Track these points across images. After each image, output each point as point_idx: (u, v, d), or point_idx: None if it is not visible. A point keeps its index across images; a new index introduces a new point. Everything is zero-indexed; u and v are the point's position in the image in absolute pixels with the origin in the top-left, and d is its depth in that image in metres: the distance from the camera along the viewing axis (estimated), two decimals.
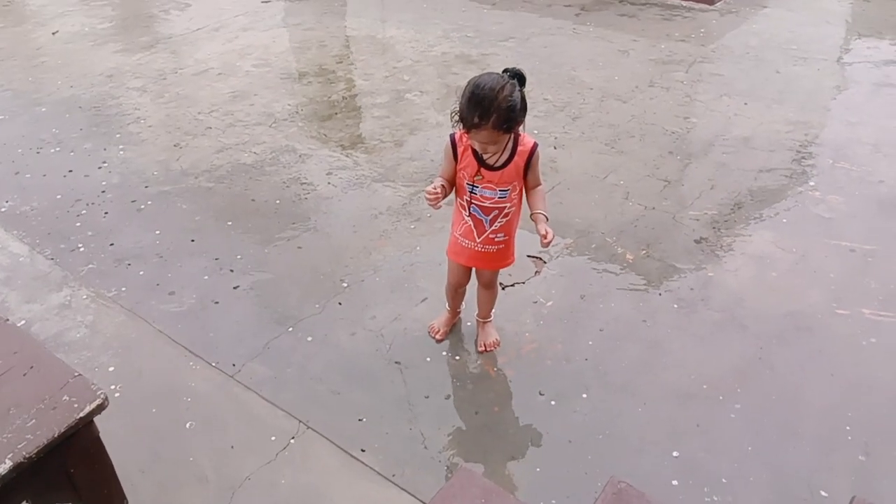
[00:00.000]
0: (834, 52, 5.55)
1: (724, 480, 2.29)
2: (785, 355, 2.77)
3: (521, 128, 2.30)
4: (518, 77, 2.20)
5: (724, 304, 3.03)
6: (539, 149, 2.39)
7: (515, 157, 2.36)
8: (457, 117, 2.22)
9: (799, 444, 2.41)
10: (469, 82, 2.20)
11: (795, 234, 3.45)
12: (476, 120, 2.15)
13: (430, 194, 2.34)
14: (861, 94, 4.85)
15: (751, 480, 2.29)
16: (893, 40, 5.69)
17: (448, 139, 2.42)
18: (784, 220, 3.55)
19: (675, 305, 3.03)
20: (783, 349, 2.80)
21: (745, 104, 4.70)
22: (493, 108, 2.13)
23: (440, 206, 2.40)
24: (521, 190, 2.46)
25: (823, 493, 2.23)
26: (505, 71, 2.21)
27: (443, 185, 2.42)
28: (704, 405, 2.57)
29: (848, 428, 2.46)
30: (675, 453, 2.39)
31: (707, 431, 2.47)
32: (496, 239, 2.52)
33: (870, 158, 4.05)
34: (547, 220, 2.40)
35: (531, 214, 2.44)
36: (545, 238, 2.32)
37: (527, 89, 2.23)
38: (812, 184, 3.84)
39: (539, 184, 2.47)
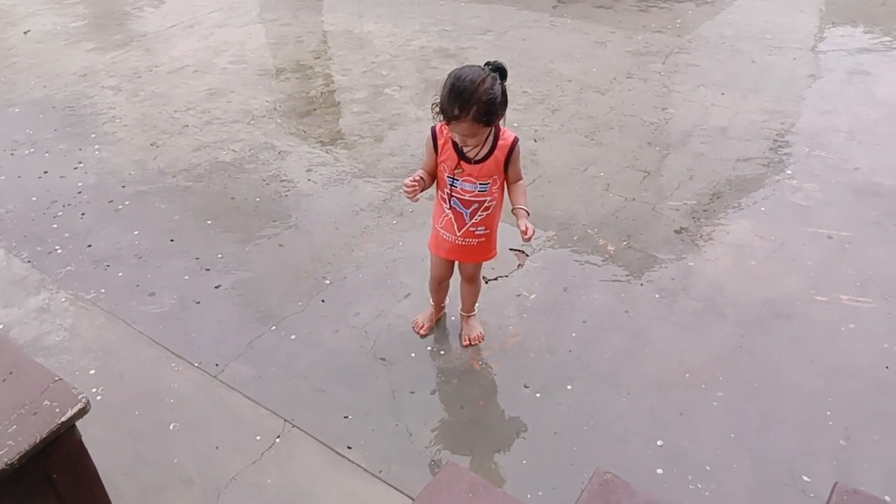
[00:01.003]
0: (808, 40, 5.62)
1: (707, 468, 2.32)
2: (765, 342, 2.80)
3: (501, 122, 2.30)
4: (499, 71, 2.20)
5: (705, 293, 3.06)
6: (520, 143, 2.39)
7: (496, 152, 2.36)
8: (437, 109, 2.22)
9: (780, 431, 2.44)
10: (450, 74, 2.20)
11: (773, 222, 3.49)
12: (456, 112, 2.15)
13: (407, 186, 2.33)
14: (835, 82, 4.90)
15: (734, 467, 2.32)
16: (866, 28, 5.76)
17: (429, 131, 2.42)
18: (762, 209, 3.59)
19: (657, 295, 3.05)
20: (763, 336, 2.83)
21: (722, 94, 4.74)
22: (472, 101, 2.13)
23: (418, 199, 2.39)
24: (502, 184, 2.46)
25: (806, 478, 2.27)
26: (486, 64, 2.21)
27: (422, 177, 2.41)
28: (687, 394, 2.60)
29: (828, 413, 2.49)
30: (659, 442, 2.42)
31: (690, 420, 2.50)
32: (476, 232, 2.52)
33: (845, 146, 4.10)
34: (528, 215, 2.40)
35: (512, 209, 2.44)
36: (525, 234, 2.32)
37: (506, 82, 2.23)
38: (789, 172, 3.88)
39: (520, 178, 2.47)
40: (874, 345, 2.77)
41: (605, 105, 4.66)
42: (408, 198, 2.36)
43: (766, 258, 3.26)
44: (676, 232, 3.44)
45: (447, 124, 2.24)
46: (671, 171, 3.94)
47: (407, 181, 2.34)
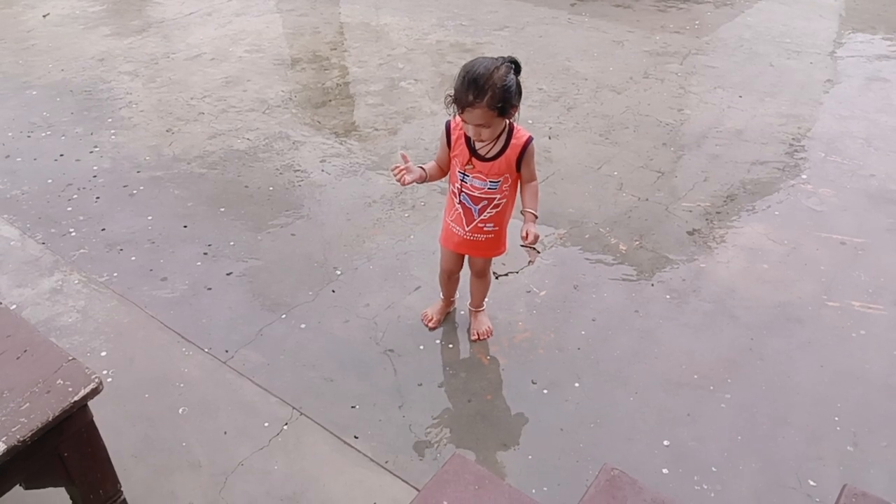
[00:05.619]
0: (827, 45, 5.58)
1: (713, 469, 2.32)
2: (775, 346, 2.80)
3: (516, 116, 2.29)
4: (513, 63, 2.20)
5: (716, 295, 3.05)
6: (534, 143, 2.37)
7: (507, 150, 2.35)
8: (450, 100, 2.20)
9: (788, 434, 2.43)
10: (463, 66, 2.19)
11: (787, 226, 3.47)
12: (471, 97, 2.13)
13: (394, 167, 2.36)
14: (853, 88, 4.87)
15: (740, 469, 2.32)
16: (886, 35, 5.72)
17: (444, 125, 2.42)
18: (776, 213, 3.58)
19: (668, 296, 3.05)
20: (773, 340, 2.82)
21: (739, 97, 4.72)
22: (488, 86, 2.11)
23: (406, 182, 2.36)
24: (514, 182, 2.45)
25: (812, 483, 2.26)
26: (500, 58, 2.20)
27: (421, 167, 2.42)
28: (695, 395, 2.59)
29: (836, 418, 2.49)
30: (665, 442, 2.41)
31: (697, 420, 2.49)
32: (485, 228, 2.52)
33: (861, 152, 4.08)
34: (535, 219, 2.40)
35: (521, 210, 2.44)
36: (525, 238, 2.33)
37: (521, 78, 2.22)
38: (804, 177, 3.86)
39: (534, 179, 2.46)
40: (884, 351, 2.76)
41: (620, 104, 4.64)
42: (396, 180, 2.36)
43: (778, 262, 3.24)
44: (689, 233, 3.43)
45: (461, 113, 2.21)
46: (685, 173, 3.93)
47: (394, 166, 2.37)
